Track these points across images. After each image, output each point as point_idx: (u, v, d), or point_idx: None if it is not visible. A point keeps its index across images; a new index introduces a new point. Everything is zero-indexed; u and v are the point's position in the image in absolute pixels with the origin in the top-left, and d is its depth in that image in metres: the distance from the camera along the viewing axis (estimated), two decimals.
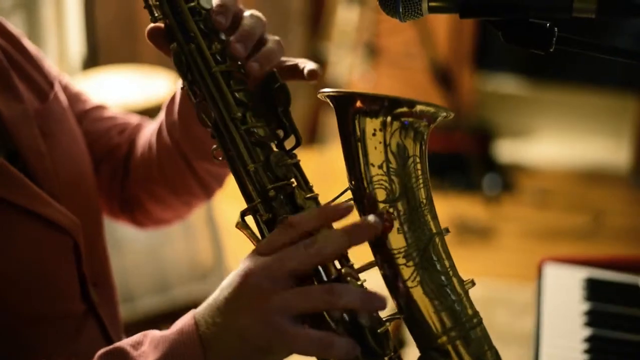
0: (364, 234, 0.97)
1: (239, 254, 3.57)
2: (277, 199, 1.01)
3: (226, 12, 1.08)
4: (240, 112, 1.04)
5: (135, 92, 3.40)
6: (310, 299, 0.92)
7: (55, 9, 3.97)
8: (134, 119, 1.47)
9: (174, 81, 3.47)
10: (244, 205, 1.04)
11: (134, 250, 3.20)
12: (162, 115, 1.32)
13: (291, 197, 1.02)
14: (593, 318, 1.47)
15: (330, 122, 4.07)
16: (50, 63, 1.38)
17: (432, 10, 1.00)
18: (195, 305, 0.99)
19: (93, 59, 4.19)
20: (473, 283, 1.03)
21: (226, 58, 1.07)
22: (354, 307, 0.94)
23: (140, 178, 1.40)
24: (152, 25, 1.12)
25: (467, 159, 4.35)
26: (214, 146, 1.07)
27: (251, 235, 1.02)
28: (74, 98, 1.40)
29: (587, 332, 1.43)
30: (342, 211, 0.98)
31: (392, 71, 4.47)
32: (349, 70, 4.13)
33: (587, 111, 5.18)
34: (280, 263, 0.93)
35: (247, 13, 1.12)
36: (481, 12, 1.00)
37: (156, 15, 1.10)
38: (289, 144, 1.07)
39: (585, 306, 1.51)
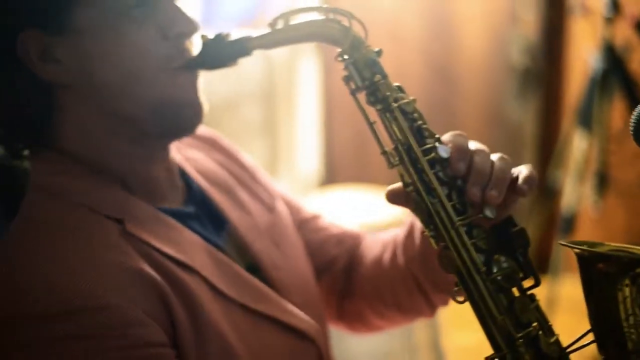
0: None
1: None
2: (523, 345, 1.03)
3: (465, 157, 1.07)
4: (483, 261, 1.05)
5: (367, 211, 3.49)
6: None
7: (292, 127, 4.18)
8: (351, 230, 1.49)
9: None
10: (467, 329, 1.06)
11: None
12: (396, 244, 1.35)
13: (535, 341, 1.04)
14: None
15: (558, 251, 4.00)
16: (265, 173, 1.44)
17: None
18: None
19: (328, 177, 4.34)
20: None
21: (465, 203, 1.07)
22: None
23: (365, 295, 1.42)
24: (390, 188, 1.13)
25: None
26: (456, 288, 1.09)
27: None
28: (291, 207, 1.45)
29: None
30: None
31: (623, 202, 4.35)
32: (579, 199, 4.07)
33: None
34: None
35: (473, 146, 1.10)
36: None
37: (392, 162, 1.09)
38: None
39: None
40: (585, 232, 4.30)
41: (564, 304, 3.70)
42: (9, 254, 1.09)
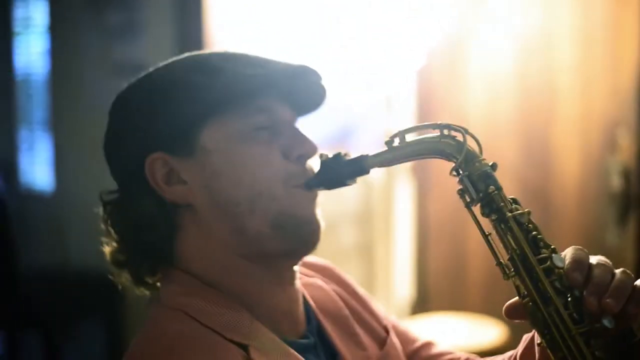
0: None
1: None
2: None
3: (582, 268, 1.05)
4: None
5: (462, 340, 3.43)
6: None
7: (389, 250, 4.17)
8: (462, 355, 1.48)
9: (500, 330, 3.47)
10: None
11: None
12: None
13: None
14: None
15: None
16: (378, 305, 1.45)
17: None
18: None
19: (422, 304, 4.29)
20: None
21: (581, 313, 1.05)
22: None
23: None
24: (509, 302, 1.11)
25: None
26: None
27: None
28: (403, 337, 1.45)
29: None
30: None
31: None
32: None
33: None
34: None
35: (593, 260, 1.08)
36: None
37: (508, 273, 1.09)
38: None
39: None
40: None
41: None
42: None
